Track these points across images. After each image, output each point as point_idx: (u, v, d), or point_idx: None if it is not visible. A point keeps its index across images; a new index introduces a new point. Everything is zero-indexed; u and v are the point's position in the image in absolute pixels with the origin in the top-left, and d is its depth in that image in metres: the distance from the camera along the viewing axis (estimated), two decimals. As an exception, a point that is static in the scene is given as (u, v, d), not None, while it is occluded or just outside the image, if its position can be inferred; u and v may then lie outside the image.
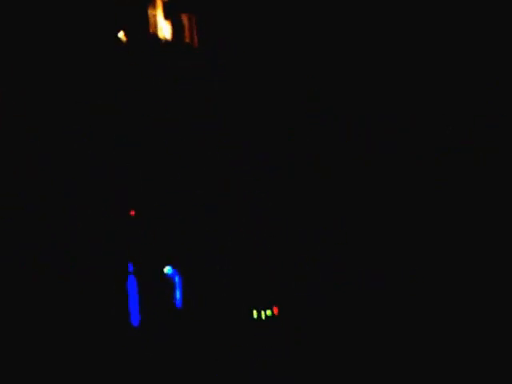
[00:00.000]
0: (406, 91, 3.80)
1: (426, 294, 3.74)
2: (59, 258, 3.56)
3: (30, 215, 3.55)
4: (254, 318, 3.73)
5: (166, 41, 3.86)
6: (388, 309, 3.75)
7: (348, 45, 3.84)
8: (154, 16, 3.85)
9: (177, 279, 3.70)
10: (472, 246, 3.72)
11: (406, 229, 3.79)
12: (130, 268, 3.65)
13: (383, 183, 3.80)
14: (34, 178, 3.56)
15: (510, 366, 3.60)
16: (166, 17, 3.88)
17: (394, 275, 3.77)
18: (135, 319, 3.65)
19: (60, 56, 3.68)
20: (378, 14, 3.82)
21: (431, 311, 3.73)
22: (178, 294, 3.70)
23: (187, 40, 3.90)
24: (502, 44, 3.74)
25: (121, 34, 3.76)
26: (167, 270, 3.68)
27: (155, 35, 3.84)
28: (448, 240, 3.75)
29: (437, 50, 3.80)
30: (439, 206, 3.76)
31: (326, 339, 3.75)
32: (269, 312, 3.74)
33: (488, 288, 3.69)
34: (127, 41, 3.77)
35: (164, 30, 3.87)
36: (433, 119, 3.79)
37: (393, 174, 3.79)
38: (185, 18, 3.91)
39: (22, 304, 3.52)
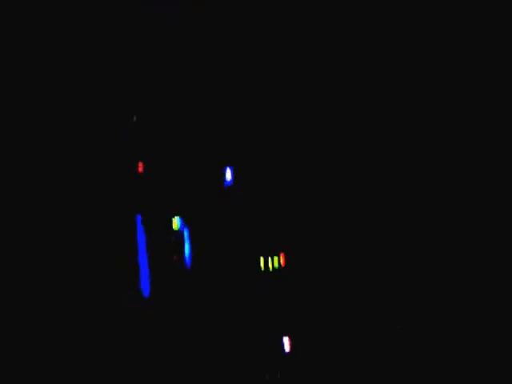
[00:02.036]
0: (406, 91, 3.84)
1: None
2: (67, 212, 3.56)
3: (33, 180, 3.55)
4: (261, 268, 3.77)
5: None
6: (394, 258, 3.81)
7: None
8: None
9: (185, 232, 3.73)
10: (472, 245, 3.76)
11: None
12: (139, 220, 3.67)
13: (383, 182, 3.84)
14: (38, 138, 3.56)
15: (510, 366, 3.66)
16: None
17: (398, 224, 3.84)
18: (144, 272, 3.67)
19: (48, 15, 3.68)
20: (378, 14, 3.86)
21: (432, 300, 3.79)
22: (186, 247, 3.73)
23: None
24: (502, 44, 3.79)
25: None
26: (176, 221, 3.71)
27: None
28: (448, 239, 3.79)
29: (437, 51, 3.84)
30: (439, 206, 3.81)
31: (335, 289, 3.80)
32: (276, 260, 3.78)
33: (488, 288, 3.74)
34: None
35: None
36: (433, 119, 3.83)
37: (393, 173, 3.83)
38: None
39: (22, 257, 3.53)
